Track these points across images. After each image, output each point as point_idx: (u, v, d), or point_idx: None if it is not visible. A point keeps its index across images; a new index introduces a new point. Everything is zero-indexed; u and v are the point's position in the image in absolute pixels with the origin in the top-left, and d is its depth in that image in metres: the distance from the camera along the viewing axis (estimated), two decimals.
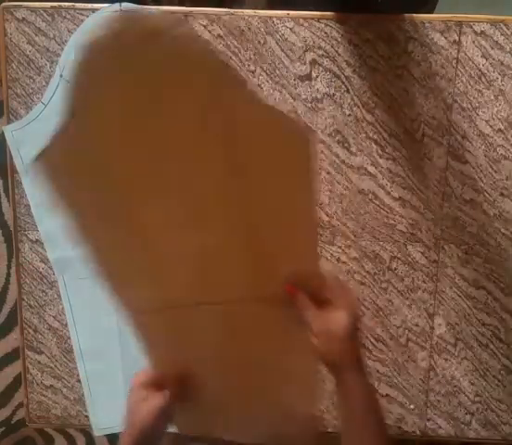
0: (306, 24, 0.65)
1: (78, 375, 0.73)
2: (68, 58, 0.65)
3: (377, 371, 0.72)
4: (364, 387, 0.54)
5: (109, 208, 0.55)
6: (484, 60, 0.65)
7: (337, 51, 0.66)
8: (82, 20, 0.65)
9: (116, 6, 0.63)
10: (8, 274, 1.32)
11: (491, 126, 0.67)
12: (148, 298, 0.57)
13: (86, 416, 0.73)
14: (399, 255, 0.70)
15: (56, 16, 0.65)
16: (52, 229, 0.68)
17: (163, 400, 0.56)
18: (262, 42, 0.65)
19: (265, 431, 0.64)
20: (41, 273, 0.71)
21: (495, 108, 0.66)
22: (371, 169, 0.68)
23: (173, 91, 0.52)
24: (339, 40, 0.65)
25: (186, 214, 0.55)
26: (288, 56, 0.66)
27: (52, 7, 0.65)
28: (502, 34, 0.65)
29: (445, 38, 0.65)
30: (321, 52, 0.66)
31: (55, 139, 0.52)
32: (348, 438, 0.54)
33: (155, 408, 0.55)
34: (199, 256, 0.55)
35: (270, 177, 0.54)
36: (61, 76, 0.65)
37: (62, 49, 0.65)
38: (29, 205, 0.69)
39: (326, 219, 0.69)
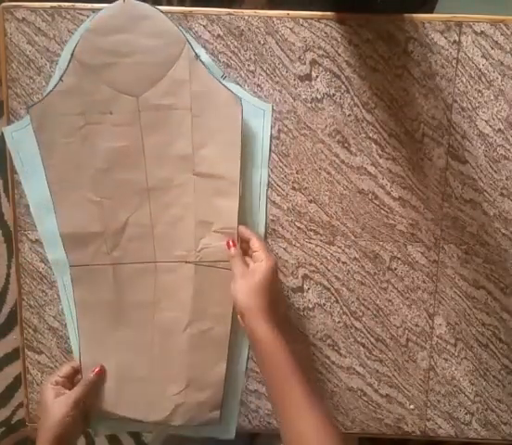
0: (306, 24, 0.65)
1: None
2: (68, 60, 0.65)
3: (377, 371, 0.72)
4: (267, 337, 0.57)
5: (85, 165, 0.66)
6: (484, 60, 0.65)
7: (337, 51, 0.66)
8: (82, 20, 0.65)
9: (120, 2, 0.63)
10: (8, 274, 1.32)
11: (491, 126, 0.67)
12: (102, 253, 0.68)
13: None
14: (399, 255, 0.70)
15: (56, 16, 0.65)
16: (52, 230, 0.68)
17: (77, 393, 0.65)
18: (262, 42, 0.65)
19: (171, 404, 0.69)
20: (41, 273, 0.71)
21: (495, 108, 0.66)
22: (371, 169, 0.68)
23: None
24: (339, 40, 0.65)
25: (146, 183, 0.67)
26: (287, 56, 0.66)
27: (52, 7, 0.65)
28: (502, 34, 0.65)
29: (445, 38, 0.65)
30: (321, 52, 0.66)
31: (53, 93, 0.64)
32: (269, 394, 0.58)
33: (70, 401, 0.64)
34: (150, 222, 0.67)
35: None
36: (61, 79, 0.65)
37: (62, 49, 0.65)
38: (29, 205, 0.69)
39: (326, 219, 0.69)
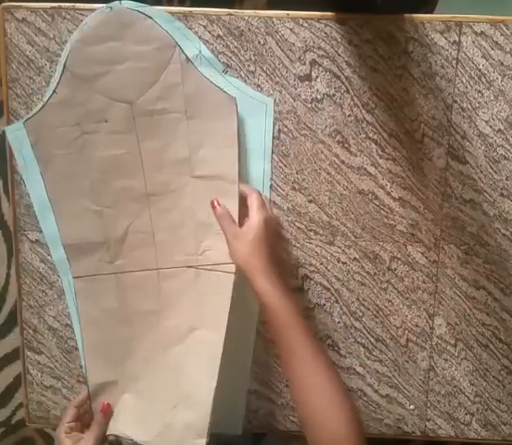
0: (306, 24, 0.65)
1: (78, 376, 0.73)
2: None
3: (377, 371, 0.72)
4: (269, 291, 0.57)
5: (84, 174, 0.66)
6: (484, 61, 0.65)
7: (337, 51, 0.66)
8: (82, 21, 0.65)
9: (116, 3, 0.63)
10: (8, 274, 1.32)
11: (491, 126, 0.67)
12: (105, 262, 0.67)
13: None
14: (399, 255, 0.70)
15: (56, 16, 0.65)
16: (56, 229, 0.68)
17: (95, 433, 0.64)
18: (261, 42, 0.65)
19: (159, 424, 0.66)
20: (41, 273, 0.71)
21: (495, 109, 0.66)
22: (371, 169, 0.68)
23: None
24: (339, 40, 0.65)
25: (144, 190, 0.66)
26: (287, 56, 0.66)
27: (52, 8, 0.65)
28: (502, 35, 0.65)
29: (445, 38, 0.65)
30: (321, 52, 0.66)
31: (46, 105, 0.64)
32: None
33: (97, 440, 0.63)
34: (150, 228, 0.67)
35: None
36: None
37: (62, 49, 0.65)
38: (29, 205, 0.69)
39: (325, 219, 0.69)
